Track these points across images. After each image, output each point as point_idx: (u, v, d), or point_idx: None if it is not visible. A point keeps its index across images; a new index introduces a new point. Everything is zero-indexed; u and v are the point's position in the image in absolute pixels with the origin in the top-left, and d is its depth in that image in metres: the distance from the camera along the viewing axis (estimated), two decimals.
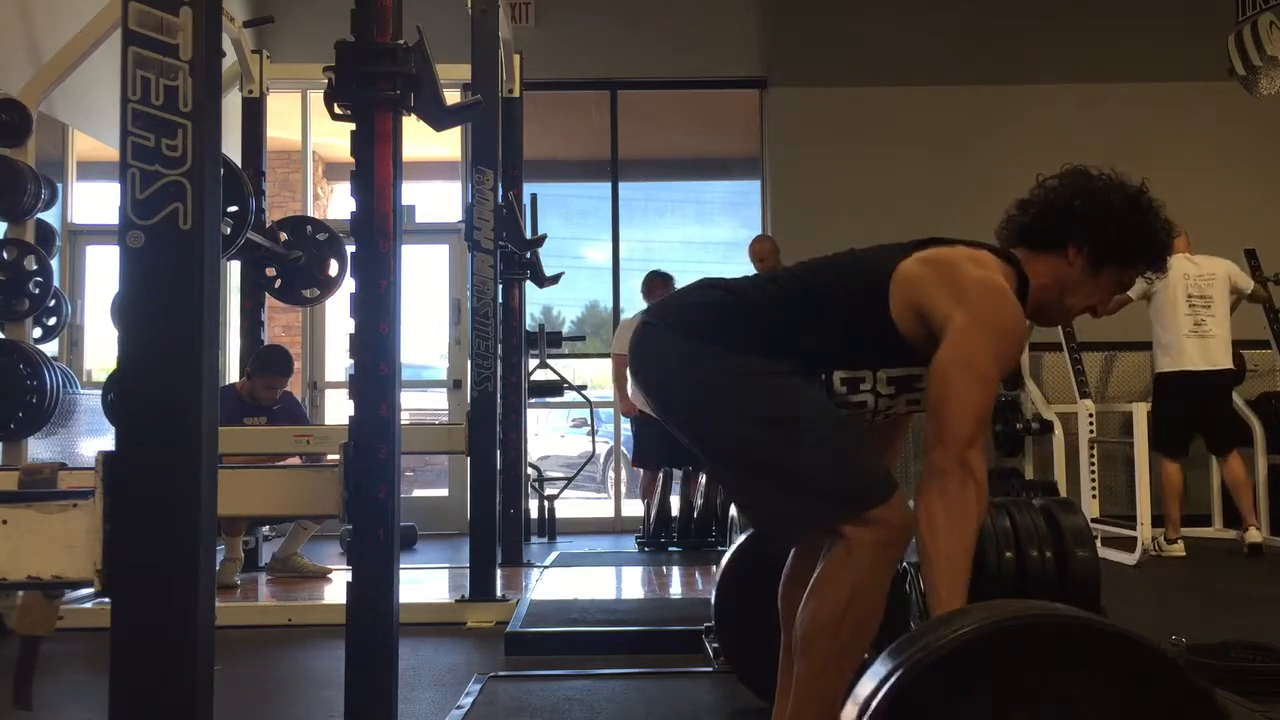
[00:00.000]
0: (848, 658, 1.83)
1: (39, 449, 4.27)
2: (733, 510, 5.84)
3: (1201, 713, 1.29)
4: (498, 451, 4.44)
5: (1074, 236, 1.94)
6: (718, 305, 1.98)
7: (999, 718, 1.28)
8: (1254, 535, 5.55)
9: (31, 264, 4.17)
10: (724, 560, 2.74)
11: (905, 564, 2.41)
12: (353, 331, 2.23)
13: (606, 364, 6.95)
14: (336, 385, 7.09)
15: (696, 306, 2.01)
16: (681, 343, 1.96)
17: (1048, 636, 1.33)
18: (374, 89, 2.20)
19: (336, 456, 2.24)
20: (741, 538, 2.74)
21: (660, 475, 6.09)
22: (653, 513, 6.03)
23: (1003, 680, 1.30)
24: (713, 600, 2.72)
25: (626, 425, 6.76)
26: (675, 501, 6.00)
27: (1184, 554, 5.54)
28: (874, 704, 1.29)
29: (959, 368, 1.79)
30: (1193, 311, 5.62)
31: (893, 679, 1.30)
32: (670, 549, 5.87)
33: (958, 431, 1.75)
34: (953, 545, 1.71)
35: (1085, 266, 1.95)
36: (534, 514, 6.58)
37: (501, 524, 4.80)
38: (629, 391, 2.05)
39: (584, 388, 6.77)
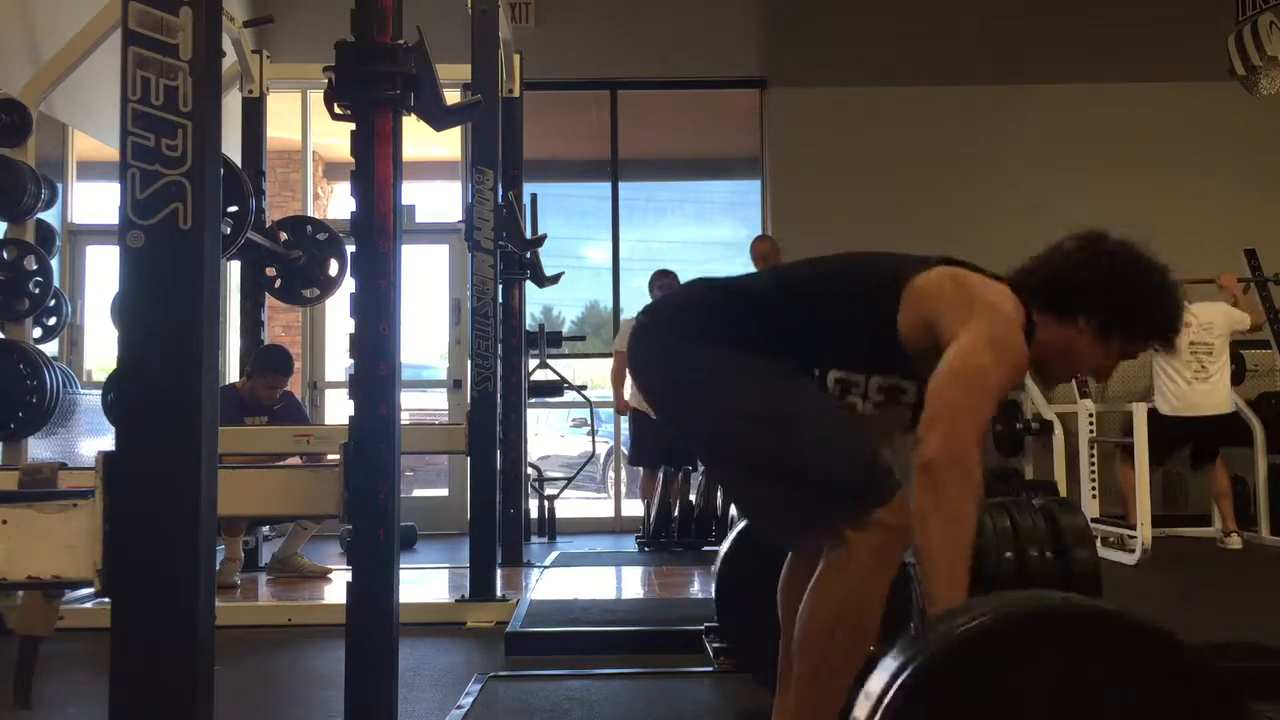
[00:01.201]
0: (846, 660, 1.82)
1: (39, 449, 4.27)
2: (733, 510, 5.84)
3: (1220, 698, 1.29)
4: (498, 451, 4.44)
5: (1085, 309, 1.92)
6: (715, 304, 1.98)
7: (1014, 708, 1.28)
8: (1234, 542, 5.69)
9: (31, 264, 4.17)
10: (723, 546, 2.73)
11: (907, 562, 2.42)
12: (353, 331, 2.22)
13: (606, 364, 6.95)
14: (336, 385, 7.09)
15: (694, 306, 2.00)
16: (679, 342, 1.95)
17: (1064, 625, 1.33)
18: (374, 89, 2.20)
19: (336, 456, 2.24)
20: (740, 526, 2.74)
21: (660, 474, 6.08)
22: (653, 512, 6.03)
23: (1017, 670, 1.29)
24: (714, 587, 2.71)
25: (625, 424, 6.74)
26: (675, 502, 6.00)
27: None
28: (888, 698, 1.29)
29: (964, 371, 1.78)
30: (1195, 359, 5.72)
31: (907, 671, 1.30)
32: (670, 549, 5.87)
33: (957, 430, 1.74)
34: (949, 542, 1.69)
35: (1094, 336, 1.94)
36: (534, 514, 6.58)
37: (501, 524, 4.80)
38: (626, 390, 2.06)
39: (584, 388, 6.77)
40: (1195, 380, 5.68)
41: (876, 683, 1.34)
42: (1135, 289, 1.92)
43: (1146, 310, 1.93)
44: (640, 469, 6.30)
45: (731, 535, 2.75)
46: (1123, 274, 1.91)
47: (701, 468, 6.04)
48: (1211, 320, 5.75)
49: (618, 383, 6.28)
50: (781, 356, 1.91)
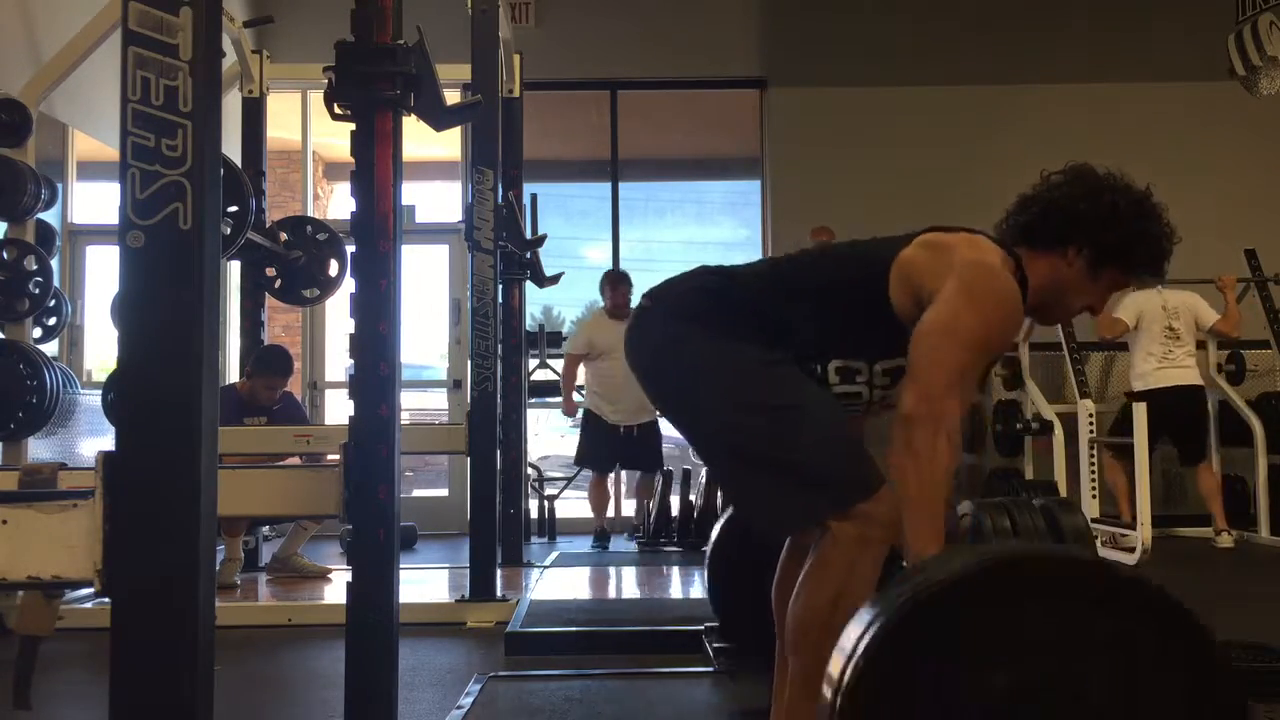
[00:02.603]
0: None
1: (39, 449, 4.27)
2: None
3: (1198, 646, 1.29)
4: (498, 451, 4.44)
5: (1075, 239, 1.92)
6: (715, 291, 1.98)
7: (986, 658, 1.27)
8: (1225, 540, 5.74)
9: (31, 264, 4.17)
10: (713, 534, 2.74)
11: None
12: (353, 331, 2.23)
13: None
14: (336, 385, 7.09)
15: (694, 292, 2.00)
16: (678, 328, 1.96)
17: (1041, 572, 1.33)
18: (374, 89, 2.20)
19: (336, 456, 2.24)
20: (724, 517, 2.75)
21: (609, 479, 6.22)
22: (606, 517, 6.19)
23: (992, 618, 1.29)
24: (705, 575, 2.71)
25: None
26: (675, 501, 6.00)
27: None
28: (859, 650, 1.28)
29: (937, 327, 1.78)
30: (1165, 344, 5.88)
31: (877, 624, 1.29)
32: (670, 549, 5.87)
33: (931, 382, 1.73)
34: (924, 494, 1.69)
35: (1085, 268, 1.93)
36: (534, 514, 6.58)
37: (501, 524, 4.80)
38: (633, 393, 2.07)
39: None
40: (1163, 364, 5.84)
41: (850, 636, 1.33)
42: (1134, 219, 1.91)
43: (1144, 239, 1.92)
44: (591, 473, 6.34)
45: (717, 527, 2.75)
46: (1122, 205, 1.91)
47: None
48: (1178, 308, 5.88)
49: (567, 385, 6.33)
50: (777, 347, 1.90)
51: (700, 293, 1.99)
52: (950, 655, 1.27)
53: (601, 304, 6.30)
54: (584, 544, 6.26)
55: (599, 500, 6.25)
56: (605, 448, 6.12)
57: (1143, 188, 1.95)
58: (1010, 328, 1.87)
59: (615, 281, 6.14)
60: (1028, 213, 1.98)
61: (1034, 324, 2.06)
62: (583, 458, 6.28)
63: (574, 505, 7.38)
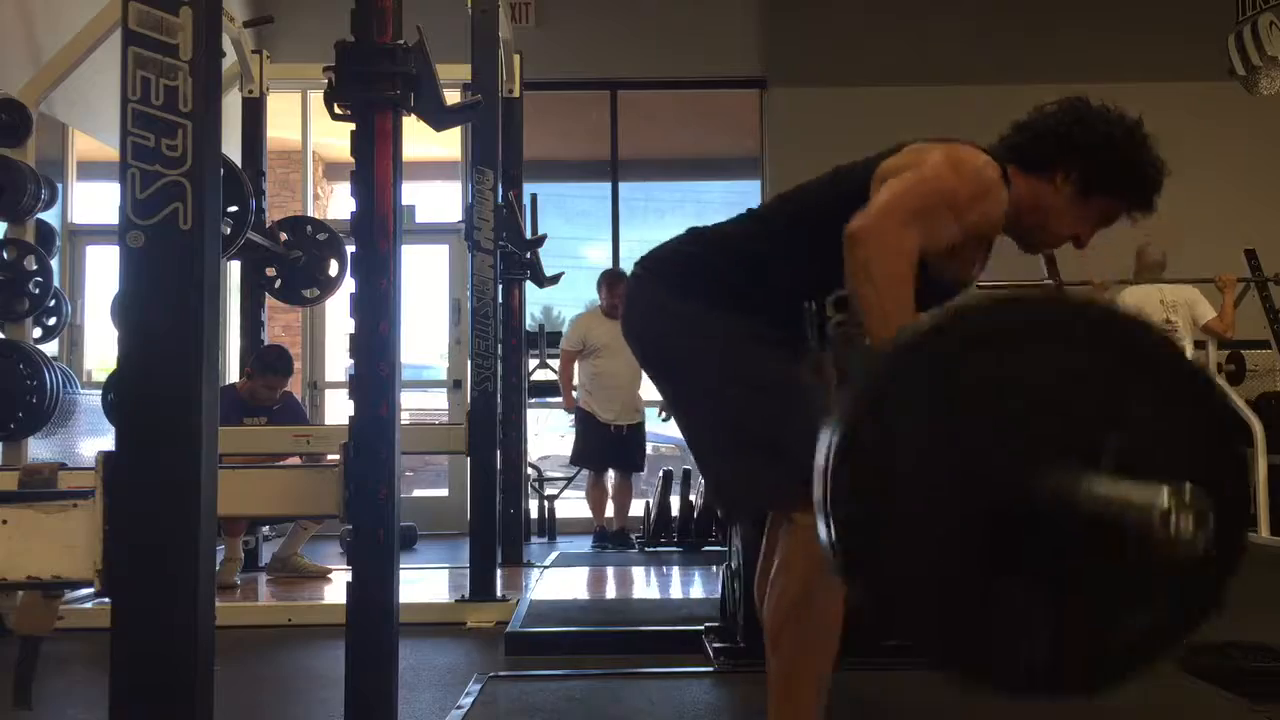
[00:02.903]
0: (817, 648, 1.80)
1: (39, 449, 4.26)
2: None
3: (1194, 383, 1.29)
4: (498, 451, 4.44)
5: (1065, 161, 1.90)
6: (704, 255, 1.99)
7: (970, 399, 1.25)
8: None
9: (31, 264, 4.17)
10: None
11: None
12: (353, 331, 2.22)
13: None
14: (336, 385, 7.09)
15: (686, 257, 2.02)
16: (669, 297, 1.97)
17: (1035, 314, 1.31)
18: (374, 89, 2.20)
19: (336, 456, 2.24)
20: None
21: (605, 478, 6.18)
22: (605, 518, 6.15)
23: (977, 364, 1.25)
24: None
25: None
26: (675, 502, 6.00)
27: None
28: (855, 408, 1.25)
29: (904, 172, 1.77)
30: None
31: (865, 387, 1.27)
32: (670, 548, 5.87)
33: (885, 204, 1.70)
34: (883, 304, 1.63)
35: (1073, 193, 1.90)
36: (534, 514, 6.57)
37: (501, 524, 4.80)
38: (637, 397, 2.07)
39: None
40: None
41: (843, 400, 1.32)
42: (1127, 147, 1.91)
43: (1134, 167, 1.91)
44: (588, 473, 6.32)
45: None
46: (1116, 132, 1.91)
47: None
48: (1176, 302, 5.82)
49: (565, 381, 6.30)
50: (768, 311, 1.89)
51: (691, 258, 2.00)
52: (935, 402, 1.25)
53: (598, 302, 6.31)
54: (584, 544, 6.26)
55: (598, 500, 6.24)
56: (600, 446, 6.12)
57: (1135, 117, 1.95)
58: (985, 203, 1.83)
59: (613, 281, 6.13)
60: (1019, 134, 1.97)
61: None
62: (579, 456, 6.27)
63: (574, 505, 7.37)
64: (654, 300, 1.98)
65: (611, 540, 6.09)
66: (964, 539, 1.23)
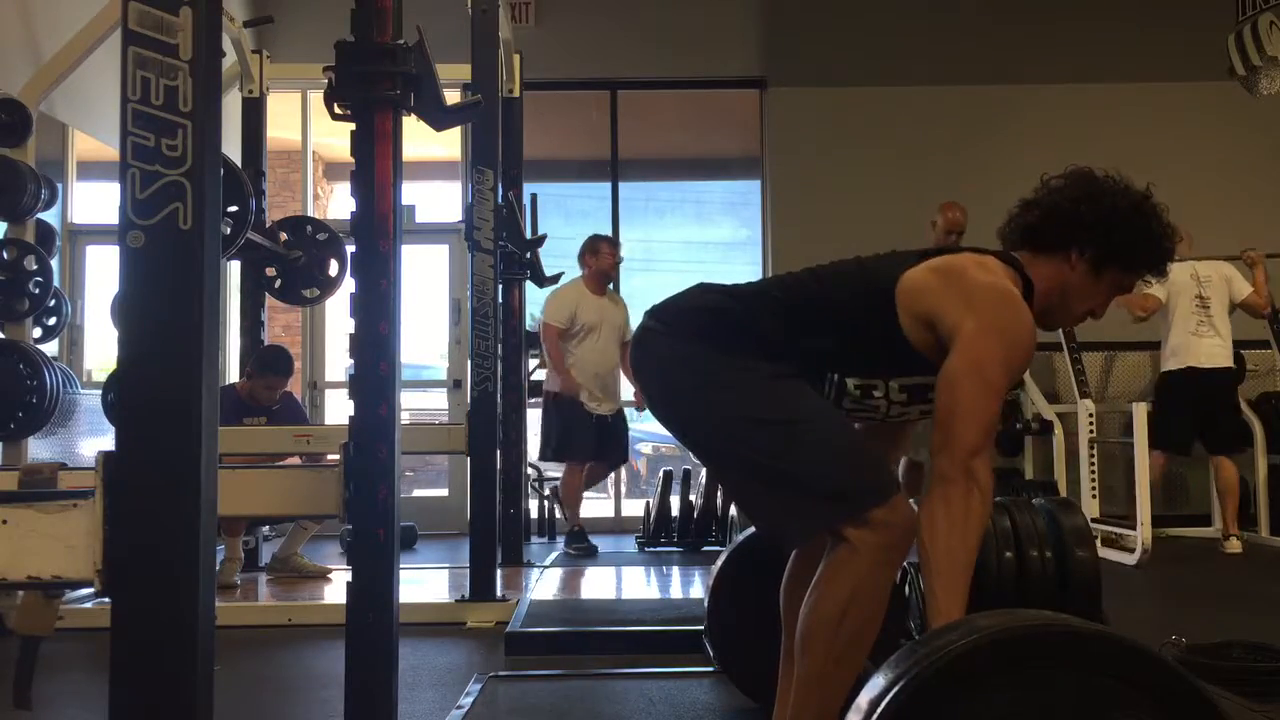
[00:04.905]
0: (847, 658, 1.82)
1: (39, 449, 4.27)
2: (733, 510, 5.83)
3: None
4: (498, 451, 4.44)
5: (1078, 241, 1.93)
6: (719, 309, 1.98)
7: None
8: (1234, 546, 5.60)
9: (31, 264, 4.17)
10: (719, 560, 2.74)
11: (906, 564, 2.41)
12: (353, 331, 2.22)
13: None
14: (336, 385, 7.09)
15: (698, 310, 2.00)
16: (683, 346, 1.96)
17: (1055, 643, 1.33)
18: (374, 89, 2.19)
19: (336, 456, 2.24)
20: (740, 537, 2.75)
21: (585, 469, 5.82)
22: (578, 511, 5.78)
23: (1008, 689, 1.30)
24: (705, 599, 2.72)
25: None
26: (675, 502, 5.99)
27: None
28: (878, 712, 1.29)
29: (967, 375, 1.78)
30: (1197, 313, 5.71)
31: (896, 688, 1.30)
32: (670, 549, 5.86)
33: (964, 439, 1.75)
34: (953, 552, 1.71)
35: (1088, 270, 1.94)
36: (534, 514, 6.57)
37: (501, 524, 4.80)
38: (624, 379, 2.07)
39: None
40: (1194, 335, 5.69)
41: (867, 696, 1.33)
42: (1135, 221, 1.92)
43: (1145, 241, 1.93)
44: (563, 464, 5.91)
45: (724, 553, 2.75)
46: (1124, 207, 1.92)
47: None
48: (1210, 276, 5.77)
49: (558, 360, 5.75)
50: (784, 361, 1.91)
51: (704, 312, 1.99)
52: None
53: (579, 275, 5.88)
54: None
55: (576, 494, 5.85)
56: (585, 438, 5.70)
57: (1142, 188, 1.96)
58: (1027, 357, 1.87)
59: (602, 244, 5.81)
60: (1029, 215, 1.99)
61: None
62: (561, 449, 5.78)
63: None
64: (672, 351, 1.97)
65: (649, 539, 5.75)
66: None
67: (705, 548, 5.74)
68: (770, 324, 1.94)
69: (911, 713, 1.28)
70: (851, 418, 2.02)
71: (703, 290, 2.06)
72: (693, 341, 1.95)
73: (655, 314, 2.05)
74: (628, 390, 5.90)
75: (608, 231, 7.39)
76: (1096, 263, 1.93)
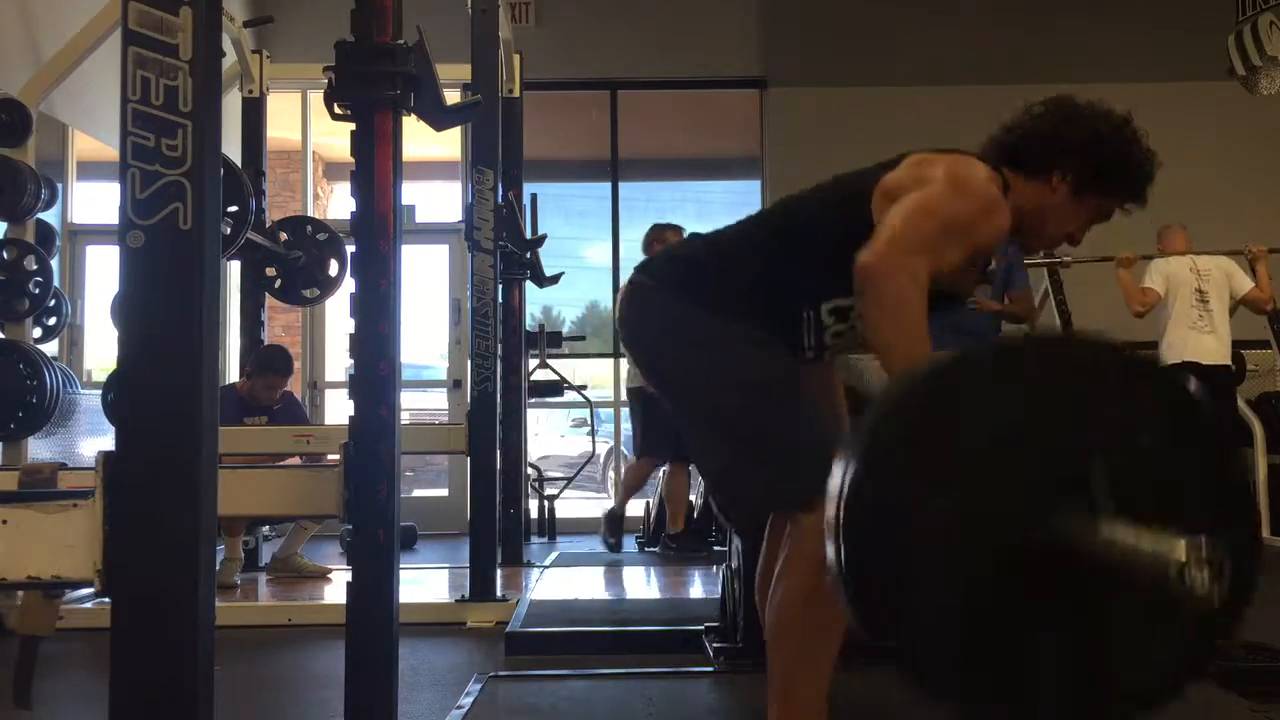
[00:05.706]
0: (816, 653, 1.80)
1: (39, 449, 4.27)
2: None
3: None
4: (498, 451, 4.44)
5: (1058, 164, 1.91)
6: (699, 259, 2.00)
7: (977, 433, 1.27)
8: None
9: (31, 264, 4.17)
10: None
11: None
12: (353, 331, 2.22)
13: (606, 364, 6.93)
14: (336, 385, 7.09)
15: (685, 262, 2.03)
16: (668, 301, 1.97)
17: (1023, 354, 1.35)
18: (374, 89, 2.19)
19: (336, 456, 2.24)
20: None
21: (662, 471, 5.71)
22: (652, 508, 5.88)
23: (983, 399, 1.30)
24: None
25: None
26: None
27: None
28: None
29: (910, 197, 1.78)
30: (1196, 308, 5.68)
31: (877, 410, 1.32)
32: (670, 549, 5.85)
33: (895, 233, 1.72)
34: (897, 335, 1.67)
35: (1068, 193, 1.92)
36: (534, 514, 6.57)
37: (501, 524, 4.79)
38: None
39: (584, 388, 6.76)
40: (1193, 329, 5.63)
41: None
42: (1116, 144, 1.92)
43: (1124, 165, 1.92)
44: (635, 459, 5.83)
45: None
46: (1104, 130, 1.92)
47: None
48: (1210, 271, 5.70)
49: None
50: (765, 316, 1.91)
51: (690, 262, 2.01)
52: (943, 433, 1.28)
53: None
54: (584, 544, 6.24)
55: (636, 488, 5.71)
56: (667, 432, 5.21)
57: (1124, 113, 1.96)
58: (990, 221, 1.84)
59: (667, 232, 5.44)
60: (1010, 137, 1.98)
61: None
62: (649, 445, 5.55)
63: (574, 505, 7.38)
64: (652, 306, 1.99)
65: (677, 541, 5.54)
66: (975, 580, 1.25)
67: (705, 548, 5.72)
68: (750, 261, 1.94)
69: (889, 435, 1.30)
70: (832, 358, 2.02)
71: (690, 241, 2.09)
72: (676, 296, 1.96)
73: (642, 268, 2.08)
74: None
75: (608, 231, 7.40)
76: (1077, 186, 1.92)
